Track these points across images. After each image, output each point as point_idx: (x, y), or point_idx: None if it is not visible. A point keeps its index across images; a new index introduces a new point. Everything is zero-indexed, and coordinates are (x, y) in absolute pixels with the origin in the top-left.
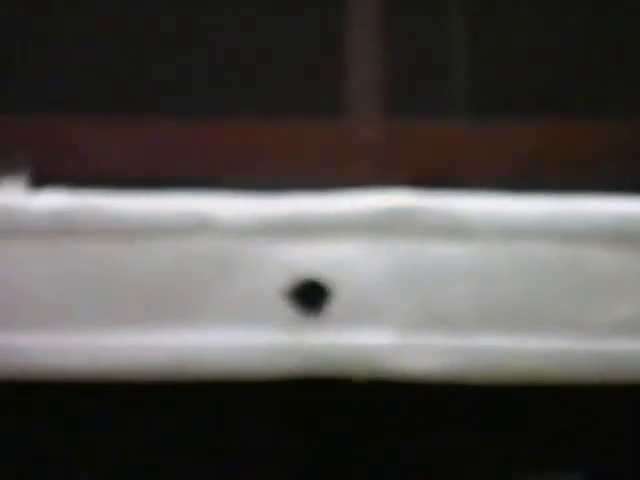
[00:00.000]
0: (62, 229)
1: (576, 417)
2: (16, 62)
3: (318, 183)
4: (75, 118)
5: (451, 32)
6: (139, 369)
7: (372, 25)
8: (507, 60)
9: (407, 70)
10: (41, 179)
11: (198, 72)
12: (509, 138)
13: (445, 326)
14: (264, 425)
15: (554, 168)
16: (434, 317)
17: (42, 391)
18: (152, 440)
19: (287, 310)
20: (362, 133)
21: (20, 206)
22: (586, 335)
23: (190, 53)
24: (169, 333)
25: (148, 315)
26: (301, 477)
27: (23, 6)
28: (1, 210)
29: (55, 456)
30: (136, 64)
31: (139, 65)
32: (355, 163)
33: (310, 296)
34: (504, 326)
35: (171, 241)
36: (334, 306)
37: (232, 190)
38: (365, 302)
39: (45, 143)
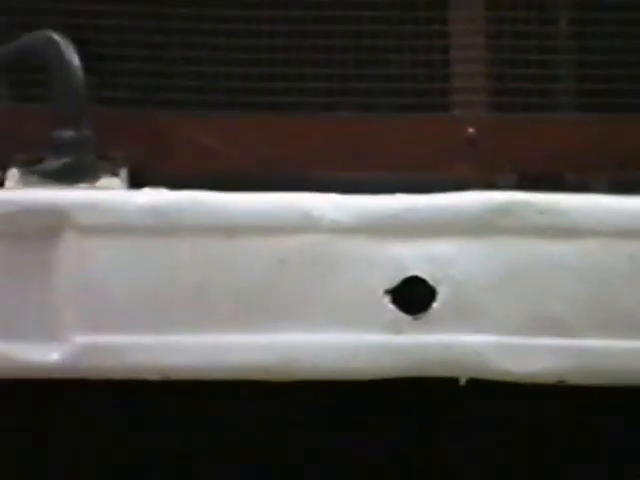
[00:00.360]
0: (161, 226)
1: None
2: (115, 57)
3: (423, 180)
4: (175, 114)
5: (556, 28)
6: (240, 368)
7: (477, 21)
8: (614, 56)
9: (513, 66)
10: (140, 175)
11: (303, 68)
12: (617, 135)
13: (553, 327)
14: (368, 424)
15: None
16: (541, 317)
17: (137, 391)
18: (250, 439)
19: (391, 309)
20: (468, 130)
21: (118, 202)
22: None
23: (295, 49)
24: (271, 332)
25: (249, 313)
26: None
27: (125, 2)
28: (99, 207)
29: (149, 453)
30: (238, 59)
31: (242, 60)
32: (461, 160)
33: (414, 295)
34: (614, 327)
35: (273, 238)
36: (438, 305)
37: (336, 187)
38: (470, 301)
39: (144, 139)
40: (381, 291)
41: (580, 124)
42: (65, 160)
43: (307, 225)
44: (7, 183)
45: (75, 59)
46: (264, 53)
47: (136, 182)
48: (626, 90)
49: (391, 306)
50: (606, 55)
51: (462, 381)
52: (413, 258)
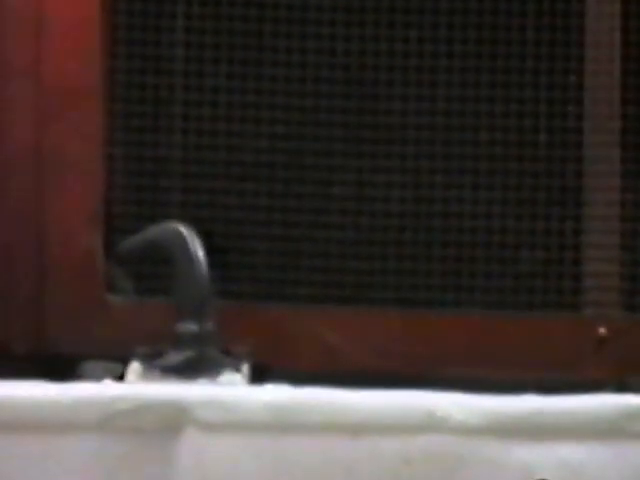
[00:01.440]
0: (284, 424)
1: None
2: (239, 250)
3: (552, 380)
4: (298, 308)
5: None
6: None
7: (611, 219)
8: None
9: None
10: (262, 371)
11: (431, 263)
12: None
13: None
14: None
15: None
16: None
17: None
18: None
19: None
20: (599, 330)
21: (241, 400)
22: None
23: (423, 244)
24: None
25: None
26: None
27: (251, 195)
28: (221, 404)
29: None
30: (364, 253)
31: (368, 255)
32: (591, 360)
33: None
34: None
35: (398, 438)
36: None
37: (462, 385)
38: None
39: (266, 334)
40: None
41: None
42: (187, 354)
43: (432, 425)
44: (128, 377)
45: (200, 252)
46: (391, 248)
47: (257, 376)
48: None
49: None
50: None
51: None
52: (542, 462)
